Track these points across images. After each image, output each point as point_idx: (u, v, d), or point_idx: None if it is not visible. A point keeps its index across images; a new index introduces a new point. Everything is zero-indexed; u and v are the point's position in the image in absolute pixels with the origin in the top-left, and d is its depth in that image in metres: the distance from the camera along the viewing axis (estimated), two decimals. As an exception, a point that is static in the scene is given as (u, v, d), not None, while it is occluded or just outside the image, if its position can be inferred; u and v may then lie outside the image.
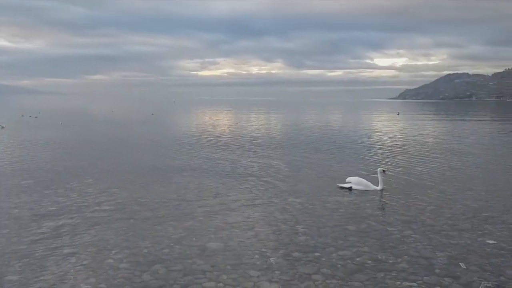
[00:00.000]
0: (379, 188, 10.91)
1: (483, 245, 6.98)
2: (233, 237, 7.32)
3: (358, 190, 10.83)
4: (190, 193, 10.49)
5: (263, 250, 6.74)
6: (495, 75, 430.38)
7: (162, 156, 16.91)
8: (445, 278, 5.70)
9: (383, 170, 11.18)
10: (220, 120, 44.58)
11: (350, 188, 10.96)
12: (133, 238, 7.23)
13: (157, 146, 20.22)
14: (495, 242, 7.08)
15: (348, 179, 11.34)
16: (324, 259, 6.40)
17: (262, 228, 7.83)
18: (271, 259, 6.36)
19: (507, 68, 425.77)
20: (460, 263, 6.20)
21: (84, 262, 6.23)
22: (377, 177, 11.04)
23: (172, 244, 6.96)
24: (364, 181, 11.12)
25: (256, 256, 6.49)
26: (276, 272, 5.94)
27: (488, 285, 4.47)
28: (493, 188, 11.15)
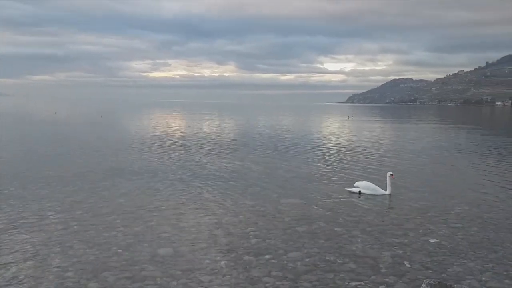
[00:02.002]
0: (387, 192, 10.90)
1: (425, 244, 7.29)
2: (183, 242, 7.23)
3: (367, 194, 10.83)
4: (140, 197, 10.26)
5: (214, 254, 6.70)
6: (437, 80, 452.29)
7: (110, 159, 16.44)
8: (391, 277, 5.91)
9: (391, 174, 11.09)
10: (172, 123, 43.93)
11: (359, 192, 10.97)
12: (79, 245, 6.96)
13: (106, 149, 19.62)
14: (437, 241, 7.42)
15: (356, 184, 11.31)
16: (274, 261, 6.45)
17: (213, 232, 7.79)
18: (222, 263, 6.34)
19: (448, 74, 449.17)
20: (405, 262, 6.45)
21: (27, 272, 5.93)
22: (386, 181, 11.01)
23: (120, 250, 6.78)
24: (372, 185, 11.09)
25: (207, 260, 6.44)
26: (227, 276, 5.92)
27: (430, 282, 4.66)
28: (436, 189, 11.68)
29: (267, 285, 5.69)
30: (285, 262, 6.43)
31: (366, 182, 11.28)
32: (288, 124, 45.67)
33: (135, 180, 12.29)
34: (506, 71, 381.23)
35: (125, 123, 44.85)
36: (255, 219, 8.57)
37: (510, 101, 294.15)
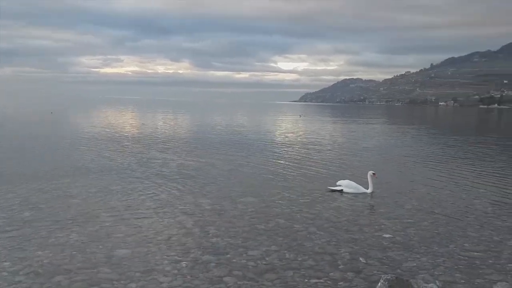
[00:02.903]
0: (369, 191, 11.07)
1: (380, 239, 7.52)
2: (141, 242, 7.05)
3: (349, 193, 10.93)
4: (94, 197, 9.93)
5: (173, 254, 6.59)
6: (385, 81, 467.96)
7: (63, 157, 15.82)
8: (348, 273, 6.04)
9: (373, 173, 11.28)
10: (125, 120, 42.86)
11: (341, 191, 11.06)
12: (30, 248, 6.63)
13: (57, 147, 18.85)
14: (391, 236, 7.68)
15: (338, 182, 11.37)
16: (234, 260, 6.43)
17: (171, 231, 7.66)
18: (182, 264, 6.25)
19: (396, 75, 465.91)
20: (361, 258, 6.62)
21: (-29, 278, 5.58)
22: (367, 180, 11.20)
23: (75, 252, 6.52)
24: (354, 184, 11.19)
25: (166, 261, 6.32)
26: (188, 276, 5.84)
27: (388, 277, 4.81)
28: (387, 186, 12.05)
29: (228, 284, 5.66)
30: (245, 261, 6.42)
31: (348, 181, 11.41)
32: (243, 122, 45.75)
33: (89, 179, 11.88)
34: (449, 73, 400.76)
35: (77, 120, 43.26)
36: (214, 218, 8.51)
37: (452, 102, 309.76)
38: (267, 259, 6.52)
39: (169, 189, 10.94)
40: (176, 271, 5.98)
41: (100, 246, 6.81)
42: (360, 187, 11.15)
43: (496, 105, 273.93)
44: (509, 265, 6.32)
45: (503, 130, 48.29)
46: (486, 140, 29.12)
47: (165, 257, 6.48)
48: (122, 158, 16.14)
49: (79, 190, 10.53)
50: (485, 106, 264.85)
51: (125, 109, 77.03)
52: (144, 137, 24.83)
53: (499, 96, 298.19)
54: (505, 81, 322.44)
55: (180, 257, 6.49)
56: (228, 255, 6.61)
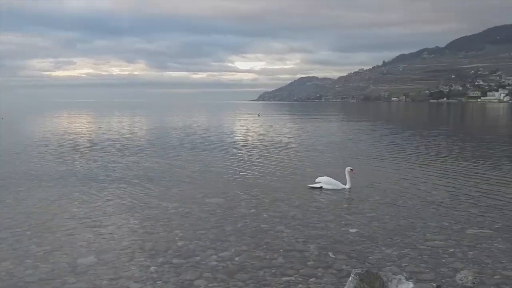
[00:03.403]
0: (347, 187, 11.25)
1: (346, 234, 7.67)
2: (107, 249, 6.86)
3: (328, 189, 11.08)
4: (54, 204, 9.57)
5: (141, 260, 6.44)
6: (340, 78, 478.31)
7: (19, 165, 15.11)
8: (318, 269, 6.12)
9: (351, 169, 11.47)
10: (81, 124, 41.56)
11: (320, 188, 11.17)
12: (-14, 262, 6.31)
13: (11, 154, 18.00)
14: (356, 230, 7.84)
15: (318, 179, 11.46)
16: (204, 262, 6.37)
17: (138, 236, 7.50)
18: (151, 268, 6.13)
19: (350, 72, 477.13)
20: (329, 253, 6.73)
21: None
22: (345, 176, 11.38)
23: (37, 263, 6.25)
24: (333, 180, 11.34)
25: (134, 267, 6.18)
26: (158, 282, 5.73)
27: (358, 271, 4.91)
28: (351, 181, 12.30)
29: (199, 287, 5.60)
30: (215, 262, 6.38)
31: (327, 177, 11.54)
32: (203, 123, 45.46)
33: (48, 187, 11.43)
34: (400, 69, 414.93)
35: (30, 125, 41.52)
36: (180, 221, 8.40)
37: (404, 97, 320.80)
38: (237, 259, 6.50)
39: (132, 194, 10.70)
40: (145, 277, 5.86)
41: (64, 255, 6.57)
42: (339, 183, 11.35)
43: (445, 99, 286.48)
44: (470, 253, 6.61)
45: (454, 122, 50.48)
46: (440, 133, 30.36)
47: (133, 263, 6.33)
48: (80, 163, 15.63)
49: (38, 198, 10.10)
50: (435, 101, 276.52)
51: (80, 113, 74.70)
52: (102, 141, 24.18)
53: (447, 90, 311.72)
54: (452, 76, 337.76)
55: (148, 262, 6.37)
56: (198, 258, 6.54)
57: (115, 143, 22.61)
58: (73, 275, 5.90)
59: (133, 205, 9.62)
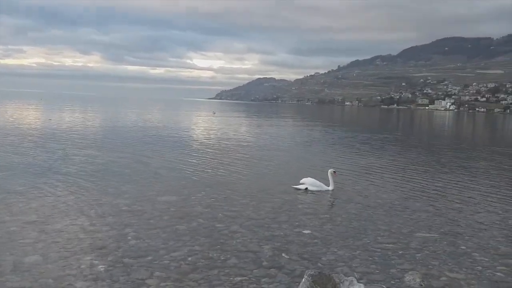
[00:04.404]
0: (330, 188, 11.33)
1: (299, 235, 7.73)
2: (53, 247, 6.55)
3: (313, 191, 11.10)
4: (-5, 200, 9.04)
5: (90, 258, 6.20)
6: (297, 81, 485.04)
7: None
8: (272, 269, 6.13)
9: (334, 171, 11.55)
10: (29, 116, 39.71)
11: (306, 189, 11.17)
12: None
13: None
14: (309, 231, 7.93)
15: (302, 180, 11.44)
16: (156, 262, 6.23)
17: (86, 235, 7.21)
18: (100, 267, 5.91)
19: (306, 75, 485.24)
20: (283, 254, 6.76)
21: None
22: (328, 177, 11.49)
23: (-24, 262, 5.88)
24: (318, 182, 11.35)
25: (83, 266, 5.94)
26: (107, 280, 5.53)
27: (311, 273, 4.95)
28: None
29: (150, 287, 5.47)
30: (167, 262, 6.25)
31: (312, 179, 11.56)
32: (158, 118, 44.70)
33: (-13, 180, 10.80)
34: (354, 74, 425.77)
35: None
36: (132, 219, 8.16)
37: (357, 102, 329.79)
38: (189, 259, 6.40)
39: (82, 190, 10.30)
40: (94, 276, 5.65)
41: (7, 253, 6.21)
42: (323, 185, 11.45)
43: (395, 105, 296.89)
44: (418, 255, 6.85)
45: (404, 128, 52.35)
46: (392, 138, 31.37)
47: (81, 261, 6.08)
48: (26, 158, 14.89)
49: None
50: (386, 106, 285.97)
51: (28, 103, 71.41)
52: (51, 134, 23.17)
53: (398, 97, 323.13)
54: (403, 83, 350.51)
55: (97, 260, 6.14)
56: (149, 257, 6.38)
57: (64, 137, 21.74)
58: (16, 273, 5.60)
59: (83, 201, 9.26)
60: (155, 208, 9.00)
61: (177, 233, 7.53)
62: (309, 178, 11.65)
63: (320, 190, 11.30)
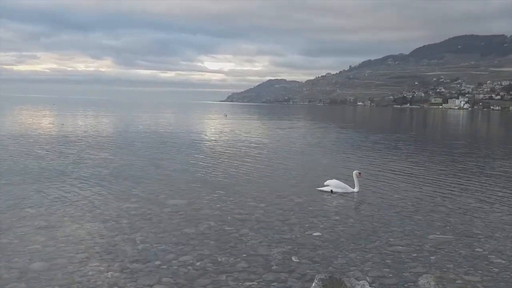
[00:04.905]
0: (356, 190, 11.18)
1: (310, 238, 7.59)
2: (61, 254, 6.49)
3: (338, 192, 10.98)
4: (6, 204, 9.05)
5: (97, 264, 6.14)
6: (308, 82, 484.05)
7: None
8: (282, 274, 6.00)
9: (359, 173, 11.44)
10: (43, 121, 40.14)
11: (331, 191, 11.04)
12: None
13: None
14: (320, 234, 7.78)
15: (326, 182, 11.32)
16: (164, 267, 6.14)
17: (94, 240, 7.15)
18: (107, 274, 5.84)
19: (317, 76, 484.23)
20: (293, 257, 6.62)
21: None
22: (353, 179, 11.34)
23: (-17, 268, 5.85)
24: (342, 184, 11.23)
25: (90, 272, 5.87)
26: (114, 287, 5.46)
27: (321, 277, 4.82)
28: (313, 183, 12.24)
29: (158, 293, 5.38)
30: (175, 267, 6.16)
31: (337, 180, 11.42)
32: (170, 122, 44.86)
33: (2, 184, 10.84)
34: (366, 75, 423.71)
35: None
36: (141, 223, 8.10)
37: (369, 102, 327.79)
38: (198, 264, 6.30)
39: (91, 194, 10.29)
40: (101, 282, 5.57)
41: (15, 259, 6.17)
42: (348, 186, 11.29)
43: (408, 104, 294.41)
44: (431, 257, 6.65)
45: (418, 128, 51.77)
46: (405, 138, 31.01)
47: (89, 267, 6.02)
48: (36, 162, 14.96)
49: (-13, 198, 9.55)
50: (399, 106, 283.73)
51: (42, 109, 72.31)
52: (63, 138, 23.33)
53: (410, 96, 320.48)
54: (416, 83, 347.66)
55: (104, 267, 6.07)
56: (157, 262, 6.29)
57: (76, 142, 21.86)
58: (23, 281, 5.55)
59: (92, 205, 9.24)
60: (164, 212, 8.93)
61: (185, 237, 7.45)
62: (333, 180, 11.46)
63: (346, 192, 11.11)
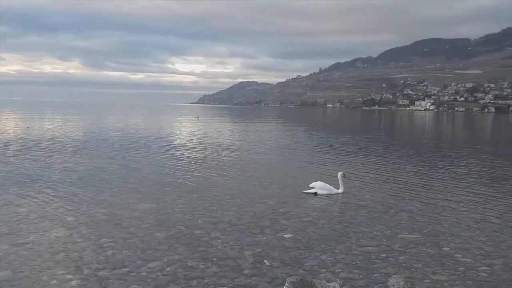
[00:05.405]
0: (340, 191, 11.24)
1: (282, 240, 7.58)
2: (24, 261, 6.25)
3: (324, 194, 10.99)
4: (-36, 213, 8.67)
5: (63, 273, 5.93)
6: (279, 84, 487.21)
7: None
8: (253, 278, 5.96)
9: (343, 174, 11.52)
10: (7, 124, 38.79)
11: (315, 193, 11.03)
12: None
13: None
14: (291, 235, 7.79)
15: (312, 184, 11.31)
16: (133, 274, 6.00)
17: (60, 247, 6.92)
18: (73, 282, 5.66)
19: (288, 79, 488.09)
20: (264, 260, 6.59)
21: None
22: (338, 181, 11.50)
23: None
24: (327, 185, 11.25)
25: (54, 281, 5.67)
26: (80, 296, 5.30)
27: (292, 280, 4.81)
28: (285, 185, 12.35)
29: (127, 301, 5.24)
30: (144, 273, 6.02)
31: (322, 182, 11.43)
32: (142, 124, 44.21)
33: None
34: (335, 77, 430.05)
35: None
36: (109, 229, 7.90)
37: (339, 104, 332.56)
38: (168, 269, 6.18)
39: (58, 199, 9.97)
40: (66, 292, 5.39)
41: (-26, 270, 5.91)
42: (333, 188, 11.35)
43: (376, 106, 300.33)
44: (400, 258, 6.75)
45: (386, 129, 52.79)
46: (375, 138, 31.54)
47: (54, 276, 5.82)
48: (5, 167, 14.42)
49: None
50: (368, 108, 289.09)
51: (6, 111, 69.93)
52: (28, 142, 22.59)
53: (379, 98, 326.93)
54: (384, 85, 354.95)
55: (71, 275, 5.88)
56: (126, 269, 6.14)
57: (42, 145, 21.21)
58: (-18, 291, 5.31)
59: (58, 211, 8.95)
60: (134, 216, 8.74)
61: (155, 242, 7.31)
62: (318, 182, 11.51)
63: (330, 194, 11.18)
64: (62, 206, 9.36)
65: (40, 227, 7.88)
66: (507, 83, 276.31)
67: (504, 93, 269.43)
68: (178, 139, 27.54)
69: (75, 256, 6.56)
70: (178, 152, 20.00)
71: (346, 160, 18.49)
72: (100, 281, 5.73)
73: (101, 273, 5.97)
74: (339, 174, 11.68)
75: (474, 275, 6.13)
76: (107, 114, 73.33)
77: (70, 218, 8.49)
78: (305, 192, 11.32)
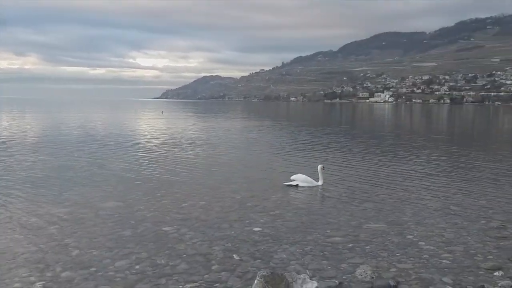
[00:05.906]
0: (320, 183, 11.43)
1: (251, 233, 7.59)
2: (-16, 265, 6.01)
3: (304, 187, 11.13)
4: None
5: (26, 275, 5.73)
6: (243, 78, 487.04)
7: None
8: (223, 273, 5.93)
9: (323, 167, 11.67)
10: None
11: (297, 186, 11.14)
12: None
13: None
14: (260, 229, 7.82)
15: (293, 177, 11.39)
16: (100, 273, 5.86)
17: (23, 249, 6.67)
18: (37, 284, 5.47)
19: (252, 73, 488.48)
20: (234, 255, 6.59)
21: None
22: (318, 173, 11.62)
23: None
24: (309, 178, 11.36)
25: (17, 284, 5.47)
26: (45, 299, 5.13)
27: (263, 274, 4.84)
28: (253, 179, 12.37)
29: (94, 301, 5.13)
30: (112, 273, 5.90)
31: (303, 175, 11.51)
32: (100, 121, 43.08)
33: None
34: (298, 71, 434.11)
35: None
36: (74, 228, 7.69)
37: (301, 97, 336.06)
38: (136, 267, 6.08)
39: (17, 199, 9.60)
40: (30, 295, 5.21)
41: None
42: (313, 180, 11.50)
43: (338, 99, 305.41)
44: (367, 247, 6.91)
45: (348, 121, 53.80)
46: (337, 130, 32.07)
47: (16, 279, 5.61)
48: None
49: None
50: (329, 101, 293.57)
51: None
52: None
53: (340, 91, 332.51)
54: (344, 78, 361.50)
55: (35, 277, 5.68)
56: (93, 269, 5.99)
57: (3, 142, 20.37)
58: None
59: (21, 211, 8.62)
60: (99, 215, 8.54)
61: (122, 240, 7.16)
62: (300, 175, 11.62)
63: (311, 186, 11.36)
64: (25, 207, 9.02)
65: (1, 230, 7.56)
66: (461, 75, 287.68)
67: (458, 84, 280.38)
68: (143, 135, 27.09)
69: (38, 257, 6.34)
70: (143, 148, 19.67)
71: (309, 153, 18.71)
72: (66, 282, 5.56)
73: (66, 273, 5.80)
74: (319, 166, 11.86)
75: (437, 262, 6.35)
76: (67, 110, 71.13)
77: (33, 219, 8.19)
78: (287, 184, 11.45)
